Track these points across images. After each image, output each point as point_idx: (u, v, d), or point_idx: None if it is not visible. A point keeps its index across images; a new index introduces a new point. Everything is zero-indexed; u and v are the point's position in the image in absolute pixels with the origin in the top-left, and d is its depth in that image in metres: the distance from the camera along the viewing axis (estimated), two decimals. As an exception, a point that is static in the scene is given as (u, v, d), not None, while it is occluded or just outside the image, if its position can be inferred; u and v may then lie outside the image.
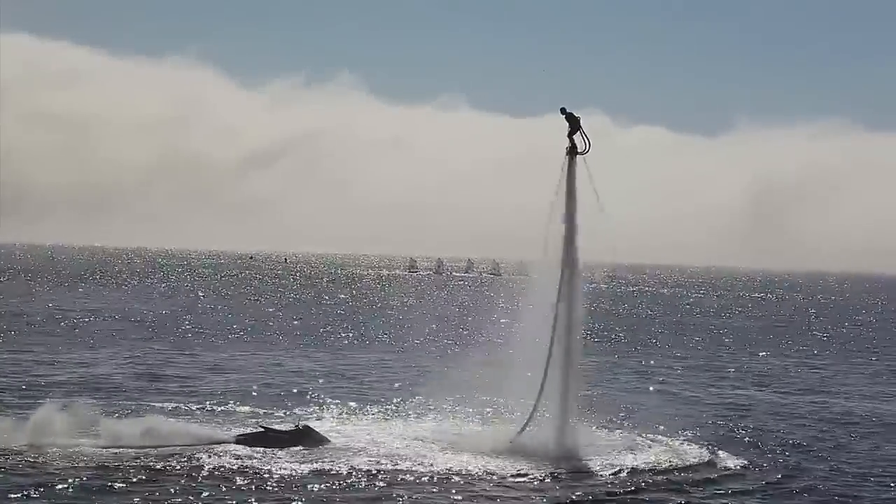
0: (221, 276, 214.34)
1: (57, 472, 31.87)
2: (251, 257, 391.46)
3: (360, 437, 38.81)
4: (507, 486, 32.67)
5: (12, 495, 29.45)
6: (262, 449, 36.04)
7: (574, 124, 38.57)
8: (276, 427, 38.78)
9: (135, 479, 31.43)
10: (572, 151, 38.42)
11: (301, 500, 30.23)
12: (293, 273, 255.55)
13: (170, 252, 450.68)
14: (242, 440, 37.00)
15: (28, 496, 29.48)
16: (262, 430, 38.16)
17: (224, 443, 36.65)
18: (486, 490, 32.17)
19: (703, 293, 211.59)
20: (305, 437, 37.43)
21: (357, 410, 45.09)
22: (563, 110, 38.53)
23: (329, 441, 37.59)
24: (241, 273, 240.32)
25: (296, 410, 44.39)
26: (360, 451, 36.46)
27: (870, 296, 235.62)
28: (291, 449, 36.20)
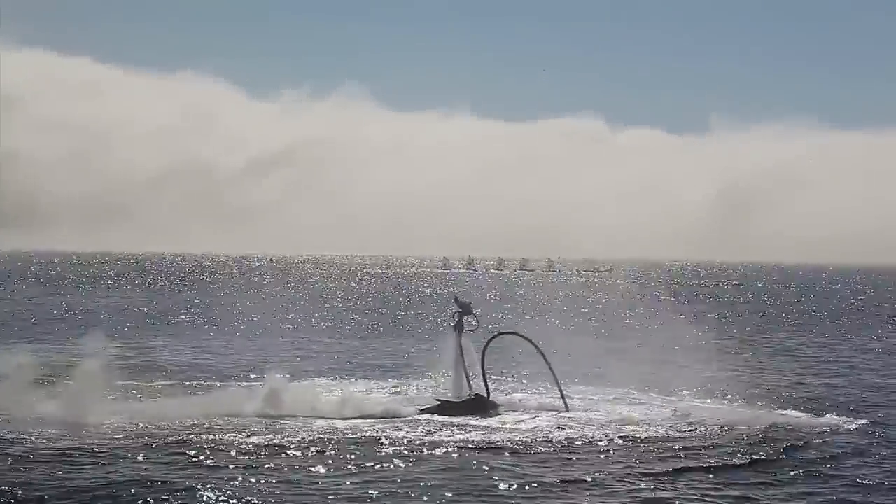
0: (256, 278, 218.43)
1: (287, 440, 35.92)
2: (271, 259, 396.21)
3: (526, 404, 43.42)
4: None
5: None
6: (442, 418, 40.32)
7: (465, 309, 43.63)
8: (451, 399, 43.45)
9: (350, 447, 34.81)
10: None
11: (490, 460, 33.22)
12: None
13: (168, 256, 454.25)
14: (424, 412, 41.41)
15: (259, 460, 32.86)
16: (439, 402, 42.87)
17: (409, 416, 40.98)
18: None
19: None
20: (478, 405, 41.99)
21: (515, 382, 50.18)
22: (455, 299, 44.32)
23: (499, 407, 42.30)
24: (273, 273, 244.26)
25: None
26: (530, 415, 41.05)
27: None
28: (468, 417, 40.44)
